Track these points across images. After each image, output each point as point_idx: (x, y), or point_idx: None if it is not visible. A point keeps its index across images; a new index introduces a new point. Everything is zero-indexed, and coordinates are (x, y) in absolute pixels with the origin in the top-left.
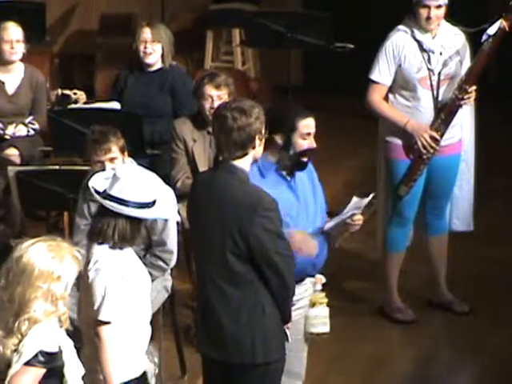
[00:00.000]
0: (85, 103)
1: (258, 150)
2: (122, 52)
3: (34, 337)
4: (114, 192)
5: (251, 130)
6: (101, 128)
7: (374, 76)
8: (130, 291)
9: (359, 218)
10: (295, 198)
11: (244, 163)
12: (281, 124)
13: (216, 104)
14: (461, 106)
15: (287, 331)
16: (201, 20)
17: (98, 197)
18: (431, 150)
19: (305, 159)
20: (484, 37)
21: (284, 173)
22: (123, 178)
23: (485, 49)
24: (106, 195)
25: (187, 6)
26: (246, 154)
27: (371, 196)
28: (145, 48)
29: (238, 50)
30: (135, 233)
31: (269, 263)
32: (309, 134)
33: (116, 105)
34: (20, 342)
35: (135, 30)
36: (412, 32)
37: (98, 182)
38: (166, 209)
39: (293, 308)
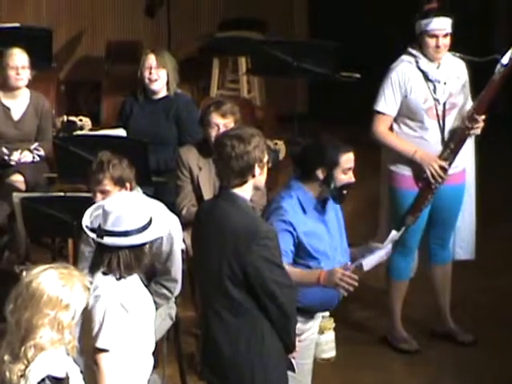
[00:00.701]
0: (90, 130)
1: (258, 178)
2: (128, 79)
3: (42, 362)
4: (109, 227)
5: (249, 159)
6: (103, 157)
7: (379, 107)
8: (130, 320)
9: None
10: (327, 232)
11: (244, 191)
12: (322, 159)
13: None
14: (470, 135)
15: (293, 361)
16: (207, 48)
17: (93, 235)
18: (440, 180)
19: (345, 192)
20: (498, 66)
21: (319, 207)
22: (114, 211)
23: (495, 78)
24: (103, 232)
25: (193, 33)
26: (246, 182)
27: (404, 228)
28: (150, 74)
29: (243, 78)
30: (141, 258)
31: (266, 292)
32: (350, 168)
33: (122, 132)
34: (26, 367)
35: (141, 57)
36: (417, 62)
37: (89, 219)
38: (162, 225)
39: (306, 335)
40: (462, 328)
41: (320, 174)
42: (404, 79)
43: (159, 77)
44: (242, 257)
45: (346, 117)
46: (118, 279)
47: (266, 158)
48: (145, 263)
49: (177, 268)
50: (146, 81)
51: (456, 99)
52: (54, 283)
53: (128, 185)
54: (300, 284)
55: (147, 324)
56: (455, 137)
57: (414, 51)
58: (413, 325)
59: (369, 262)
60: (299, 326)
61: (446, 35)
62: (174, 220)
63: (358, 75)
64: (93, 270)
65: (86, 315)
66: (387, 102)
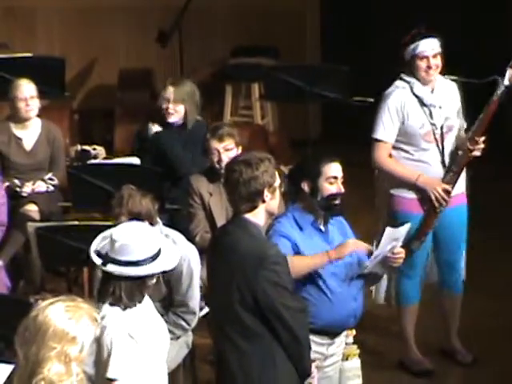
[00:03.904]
0: (104, 158)
1: (270, 203)
2: (141, 107)
3: None
4: (115, 255)
5: (257, 184)
6: (124, 191)
7: (378, 135)
8: (140, 349)
9: (401, 251)
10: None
11: (256, 216)
12: (303, 171)
13: (223, 156)
14: (471, 157)
15: None
16: (220, 74)
17: (99, 262)
18: (444, 203)
19: (335, 202)
20: (501, 87)
21: (320, 224)
22: (121, 239)
23: (495, 99)
24: (108, 259)
25: (206, 60)
26: (256, 207)
27: (407, 226)
28: (167, 108)
29: (257, 105)
30: (143, 290)
31: (276, 316)
32: (335, 177)
33: (135, 160)
34: None
35: (154, 84)
36: (411, 88)
37: (97, 245)
38: (170, 259)
39: (329, 362)
40: (465, 349)
41: (305, 186)
42: (400, 105)
43: (176, 111)
44: (251, 282)
45: (358, 142)
46: (124, 309)
47: (277, 183)
48: (140, 297)
49: (195, 301)
50: (163, 112)
51: (452, 122)
52: (60, 316)
53: (146, 222)
54: (312, 269)
55: (158, 352)
56: (457, 159)
57: (407, 77)
58: (427, 347)
59: (369, 265)
60: (321, 350)
61: (435, 55)
62: (193, 251)
63: (371, 100)
64: (99, 299)
65: (96, 346)
66: (386, 130)
